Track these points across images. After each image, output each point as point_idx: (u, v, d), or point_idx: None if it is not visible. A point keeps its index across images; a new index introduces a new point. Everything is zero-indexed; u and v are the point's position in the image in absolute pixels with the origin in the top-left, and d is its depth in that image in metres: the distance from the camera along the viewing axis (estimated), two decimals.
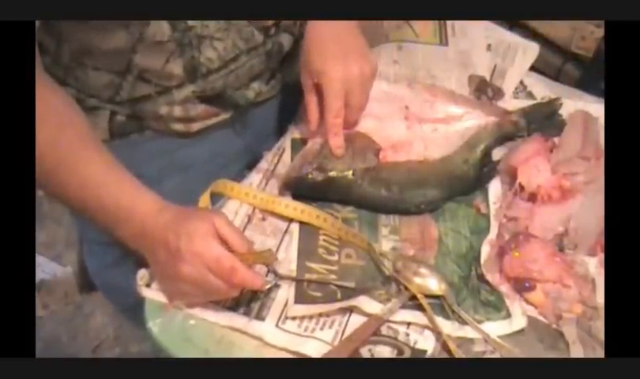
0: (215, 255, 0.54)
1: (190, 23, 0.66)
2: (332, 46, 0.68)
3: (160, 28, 0.64)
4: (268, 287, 0.62)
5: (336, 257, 0.65)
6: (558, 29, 1.25)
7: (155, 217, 0.56)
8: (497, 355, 0.59)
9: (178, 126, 0.72)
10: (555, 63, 1.28)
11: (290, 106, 0.79)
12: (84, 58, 0.67)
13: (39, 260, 1.41)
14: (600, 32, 1.22)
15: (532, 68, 0.85)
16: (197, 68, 0.69)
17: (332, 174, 0.67)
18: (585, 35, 1.24)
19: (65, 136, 0.58)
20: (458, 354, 0.58)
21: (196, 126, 0.73)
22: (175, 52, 0.66)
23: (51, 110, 0.57)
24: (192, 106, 0.72)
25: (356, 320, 0.60)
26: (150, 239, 0.57)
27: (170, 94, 0.70)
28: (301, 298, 0.61)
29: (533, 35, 1.14)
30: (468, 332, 0.60)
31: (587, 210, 0.68)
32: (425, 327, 0.60)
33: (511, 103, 0.79)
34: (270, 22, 0.72)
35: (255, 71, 0.74)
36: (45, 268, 1.40)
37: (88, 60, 0.67)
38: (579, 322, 0.61)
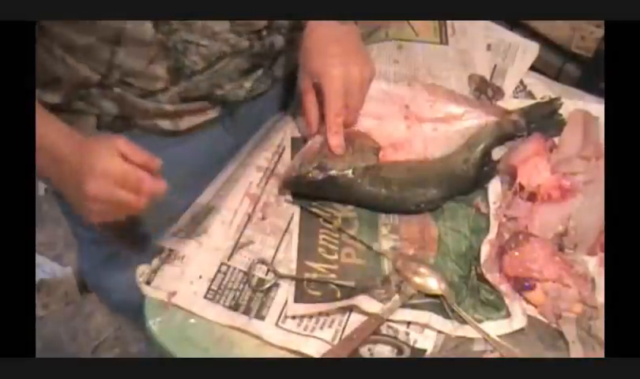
0: (121, 170, 0.56)
1: (174, 25, 0.65)
2: (332, 47, 0.68)
3: (142, 28, 0.64)
4: (268, 286, 0.62)
5: (336, 256, 0.65)
6: (558, 29, 1.25)
7: (64, 144, 0.58)
8: (497, 355, 0.59)
9: (166, 124, 0.72)
10: (555, 63, 1.28)
11: (281, 102, 0.79)
12: (74, 52, 0.66)
13: (39, 260, 1.41)
14: (600, 32, 1.22)
15: (533, 68, 0.85)
16: (181, 70, 0.68)
17: (332, 172, 0.67)
18: (585, 35, 1.24)
19: None
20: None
21: (184, 124, 0.73)
22: (159, 55, 0.66)
23: None
24: (179, 103, 0.71)
25: (356, 320, 0.60)
26: (59, 165, 0.58)
27: (154, 97, 0.69)
28: (301, 297, 0.61)
29: (533, 35, 1.14)
30: (467, 331, 0.60)
31: (587, 210, 0.68)
32: (425, 326, 0.60)
33: (511, 103, 0.79)
34: (262, 24, 0.71)
35: (242, 69, 0.72)
36: (45, 268, 1.40)
37: (76, 53, 0.66)
38: (579, 321, 0.61)
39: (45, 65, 0.67)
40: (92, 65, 0.66)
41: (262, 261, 0.64)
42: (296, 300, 0.61)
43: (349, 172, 0.67)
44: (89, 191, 0.56)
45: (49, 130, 0.59)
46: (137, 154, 0.57)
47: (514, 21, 1.18)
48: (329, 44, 0.68)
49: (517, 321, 0.61)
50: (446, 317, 0.61)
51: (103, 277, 0.87)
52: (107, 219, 0.59)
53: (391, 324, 0.60)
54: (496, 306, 0.62)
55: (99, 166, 0.56)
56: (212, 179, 0.72)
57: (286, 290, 0.62)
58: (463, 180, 0.71)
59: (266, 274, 0.63)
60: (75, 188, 0.57)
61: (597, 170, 0.70)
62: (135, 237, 0.75)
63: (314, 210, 0.68)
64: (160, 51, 0.65)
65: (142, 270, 0.62)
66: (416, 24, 0.85)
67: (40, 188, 1.50)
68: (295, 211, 0.68)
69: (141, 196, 0.57)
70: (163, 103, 0.70)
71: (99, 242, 0.83)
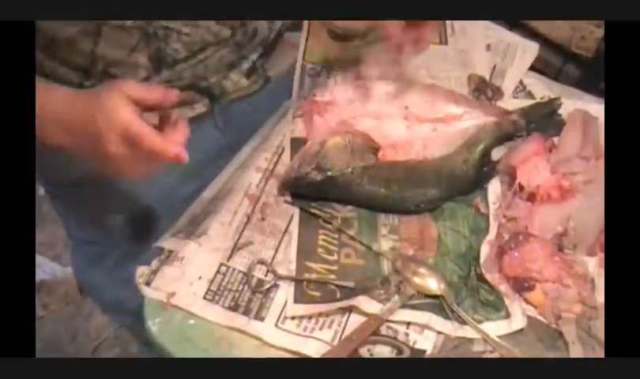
0: (124, 122, 0.53)
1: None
2: None
3: (122, 15, 0.62)
4: (267, 287, 0.62)
5: (335, 257, 0.65)
6: (558, 29, 1.25)
7: (72, 110, 0.56)
8: (496, 355, 0.59)
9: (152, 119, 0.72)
10: (555, 63, 1.28)
11: (276, 102, 0.78)
12: (55, 52, 0.65)
13: (39, 260, 1.41)
14: (600, 32, 1.22)
15: (533, 68, 0.85)
16: (162, 58, 0.67)
17: (330, 173, 0.67)
18: (585, 35, 1.24)
19: None
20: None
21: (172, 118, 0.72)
22: (140, 42, 0.65)
23: None
24: None
25: (356, 320, 0.60)
26: (74, 134, 0.56)
27: None
28: (300, 297, 0.61)
29: (533, 35, 1.14)
30: (467, 331, 0.60)
31: (586, 210, 0.68)
32: (424, 326, 0.60)
33: (511, 103, 0.79)
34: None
35: (226, 61, 0.72)
36: (45, 268, 1.41)
37: (57, 52, 0.65)
38: (578, 322, 0.61)
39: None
40: (74, 60, 0.65)
41: (262, 262, 0.64)
42: (296, 301, 0.61)
43: (348, 172, 0.67)
44: (111, 151, 0.53)
45: (52, 100, 0.56)
46: (149, 93, 0.55)
47: (514, 21, 1.18)
48: None
49: (517, 322, 0.61)
50: (446, 317, 0.61)
51: (96, 276, 0.87)
52: (141, 174, 0.57)
53: (391, 324, 0.60)
54: (496, 307, 0.62)
55: (115, 123, 0.52)
56: (201, 178, 0.71)
57: (285, 290, 0.62)
58: (462, 180, 0.71)
59: (266, 275, 0.63)
60: (96, 152, 0.54)
61: (597, 170, 0.70)
62: (136, 235, 0.74)
63: (313, 210, 0.68)
64: (141, 39, 0.65)
65: (142, 271, 0.62)
66: None
67: (40, 188, 1.51)
68: (295, 211, 0.68)
69: (146, 154, 0.54)
70: None
71: (91, 242, 0.83)
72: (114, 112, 0.53)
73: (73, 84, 0.67)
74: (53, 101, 0.56)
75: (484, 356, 0.59)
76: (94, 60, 0.65)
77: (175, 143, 0.55)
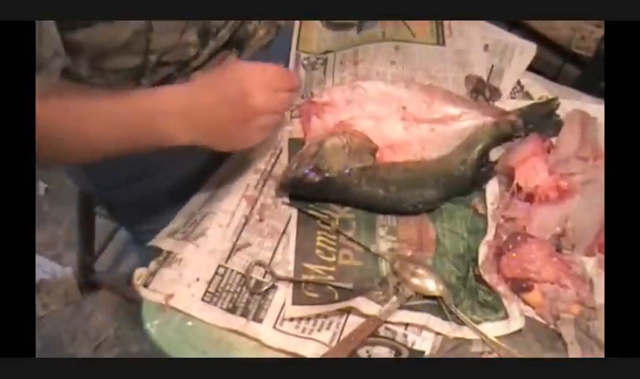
0: (272, 68, 0.61)
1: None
2: None
3: None
4: (265, 288, 0.62)
5: (333, 258, 0.65)
6: (558, 29, 1.25)
7: (189, 95, 0.60)
8: (495, 356, 0.59)
9: None
10: (555, 63, 1.27)
11: (285, 48, 0.82)
12: (102, 63, 0.67)
13: (39, 260, 1.41)
14: (600, 32, 1.21)
15: (532, 68, 0.85)
16: (209, 30, 0.71)
17: (328, 174, 0.67)
18: (585, 35, 1.23)
19: (67, 95, 0.59)
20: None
21: None
22: (190, 22, 0.67)
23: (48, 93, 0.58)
24: (208, 65, 0.74)
25: (354, 321, 0.60)
26: (197, 118, 0.60)
27: (188, 66, 0.72)
28: (298, 299, 0.61)
29: (533, 35, 1.14)
30: (466, 332, 0.61)
31: (584, 210, 0.68)
32: (423, 327, 0.60)
33: (508, 103, 0.79)
34: None
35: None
36: (45, 268, 1.41)
37: (105, 63, 0.67)
38: (577, 322, 0.61)
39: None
40: (128, 63, 0.67)
41: (260, 263, 0.64)
42: (294, 302, 0.61)
43: (346, 173, 0.67)
44: (257, 104, 0.59)
45: (166, 95, 0.61)
46: (269, 66, 0.62)
47: (513, 21, 1.18)
48: None
49: (515, 322, 0.61)
50: (444, 318, 0.61)
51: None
52: (271, 131, 0.64)
53: (389, 325, 0.60)
54: (494, 307, 0.62)
55: (255, 80, 0.59)
56: None
57: (284, 292, 0.62)
58: (460, 181, 0.71)
59: (264, 276, 0.63)
60: (236, 116, 0.60)
61: (595, 170, 0.70)
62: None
63: (311, 212, 0.68)
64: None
65: (139, 273, 0.62)
66: (413, 24, 0.85)
67: (40, 188, 1.51)
68: (293, 213, 0.68)
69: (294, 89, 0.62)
70: (193, 73, 0.72)
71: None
72: (252, 66, 0.61)
73: (123, 82, 0.69)
74: (167, 98, 0.61)
75: (483, 357, 0.59)
76: (147, 56, 0.67)
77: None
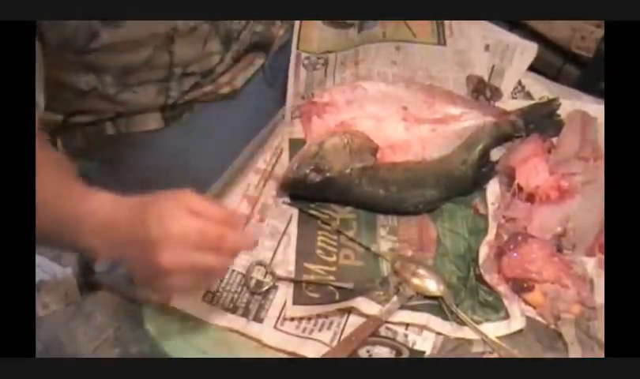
0: (195, 228, 0.48)
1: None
2: None
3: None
4: (266, 288, 0.62)
5: (334, 258, 0.65)
6: (558, 29, 1.25)
7: (114, 212, 0.50)
8: (495, 356, 0.59)
9: (225, 89, 0.75)
10: (555, 63, 1.27)
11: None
12: (127, 79, 0.67)
13: (39, 260, 1.41)
14: (600, 32, 1.21)
15: (533, 68, 0.85)
16: (230, 35, 0.71)
17: (329, 174, 0.67)
18: (585, 35, 1.23)
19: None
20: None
21: (239, 82, 0.76)
22: (212, 31, 0.68)
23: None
24: (233, 69, 0.75)
25: (355, 321, 0.60)
26: (117, 238, 0.50)
27: (214, 72, 0.72)
28: (299, 299, 0.61)
29: (533, 35, 1.13)
30: (466, 332, 0.60)
31: (585, 210, 0.68)
32: (423, 327, 0.60)
33: (509, 104, 0.79)
34: None
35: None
36: (45, 268, 1.40)
37: (130, 79, 0.67)
38: (577, 322, 0.61)
39: (99, 107, 0.67)
40: (152, 77, 0.67)
41: (260, 263, 0.64)
42: (295, 302, 0.61)
43: (347, 173, 0.67)
44: (165, 263, 0.47)
45: (94, 203, 0.51)
46: (213, 209, 0.49)
47: (514, 21, 1.18)
48: None
49: (516, 323, 0.61)
50: (445, 318, 0.61)
51: None
52: (187, 291, 0.53)
53: (390, 325, 0.60)
54: (495, 308, 0.62)
55: (172, 231, 0.47)
56: (259, 136, 0.75)
57: (284, 292, 0.62)
58: (461, 181, 0.71)
59: (264, 276, 0.63)
60: (145, 263, 0.48)
61: (595, 170, 0.70)
62: None
63: (312, 212, 0.68)
64: (212, 28, 0.68)
65: None
66: (414, 25, 0.85)
67: None
68: (294, 213, 0.68)
69: (225, 256, 0.49)
70: (219, 78, 0.74)
71: None
72: (177, 219, 0.47)
73: (157, 104, 0.70)
74: (93, 206, 0.51)
75: (483, 357, 0.59)
76: (172, 69, 0.68)
77: (248, 234, 0.54)
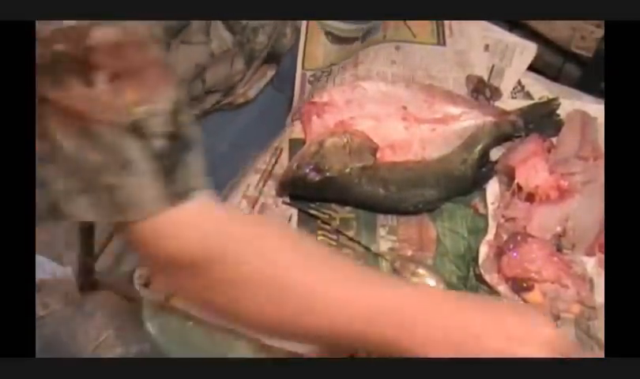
0: None
1: (244, 21, 0.70)
2: None
3: (223, 38, 0.68)
4: None
5: None
6: (558, 29, 1.25)
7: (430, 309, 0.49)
8: None
9: (240, 99, 0.78)
10: (555, 63, 1.27)
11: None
12: None
13: (39, 260, 1.41)
14: (600, 32, 1.21)
15: (533, 68, 0.85)
16: (253, 54, 0.74)
17: (329, 173, 0.67)
18: (585, 35, 1.23)
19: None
20: None
21: (252, 93, 0.79)
22: (238, 52, 0.71)
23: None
24: (250, 82, 0.78)
25: None
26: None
27: (235, 89, 0.76)
28: None
29: (533, 35, 1.13)
30: None
31: (585, 210, 0.68)
32: None
33: (509, 103, 0.79)
34: None
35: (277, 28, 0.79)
36: (45, 268, 1.41)
37: None
38: (577, 322, 0.62)
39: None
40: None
41: None
42: None
43: (347, 173, 0.68)
44: None
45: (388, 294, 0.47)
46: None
47: (514, 21, 1.18)
48: None
49: None
50: None
51: None
52: None
53: None
54: None
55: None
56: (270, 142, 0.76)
57: None
58: (461, 181, 0.71)
59: None
60: None
61: (595, 170, 0.70)
62: None
63: (311, 211, 0.68)
64: (239, 49, 0.71)
65: (140, 273, 0.62)
66: (414, 25, 0.85)
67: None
68: (293, 212, 0.68)
69: None
70: (239, 90, 0.77)
71: None
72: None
73: None
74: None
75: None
76: (201, 92, 0.71)
77: None
